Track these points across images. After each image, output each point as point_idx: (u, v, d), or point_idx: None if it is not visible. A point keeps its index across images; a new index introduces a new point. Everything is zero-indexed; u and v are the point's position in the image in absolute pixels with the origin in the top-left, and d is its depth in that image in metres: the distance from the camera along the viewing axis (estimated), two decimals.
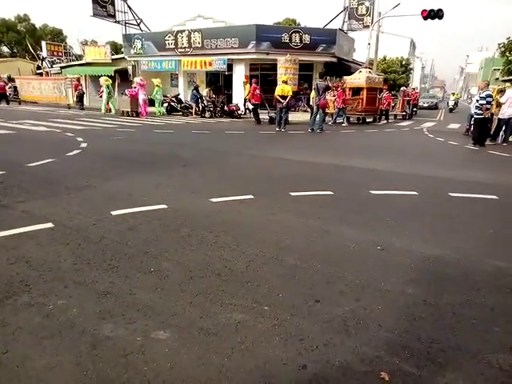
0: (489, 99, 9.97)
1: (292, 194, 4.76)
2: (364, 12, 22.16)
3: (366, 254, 3.08)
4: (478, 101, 10.27)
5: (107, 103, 18.51)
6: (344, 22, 22.48)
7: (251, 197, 4.57)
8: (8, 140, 8.97)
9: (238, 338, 2.01)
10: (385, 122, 17.93)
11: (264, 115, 15.60)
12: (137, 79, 17.50)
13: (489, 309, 2.35)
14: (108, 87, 18.09)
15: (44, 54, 30.02)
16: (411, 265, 2.91)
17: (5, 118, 13.98)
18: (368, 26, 21.62)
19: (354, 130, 13.74)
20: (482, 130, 10.33)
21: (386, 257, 3.05)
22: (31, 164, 6.03)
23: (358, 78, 16.51)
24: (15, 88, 26.39)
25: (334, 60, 19.88)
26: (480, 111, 10.06)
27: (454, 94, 34.91)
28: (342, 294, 2.48)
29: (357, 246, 3.23)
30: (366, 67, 17.58)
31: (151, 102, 18.19)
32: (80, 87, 22.60)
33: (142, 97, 17.05)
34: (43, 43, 31.14)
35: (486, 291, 2.55)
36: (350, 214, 4.08)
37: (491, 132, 11.10)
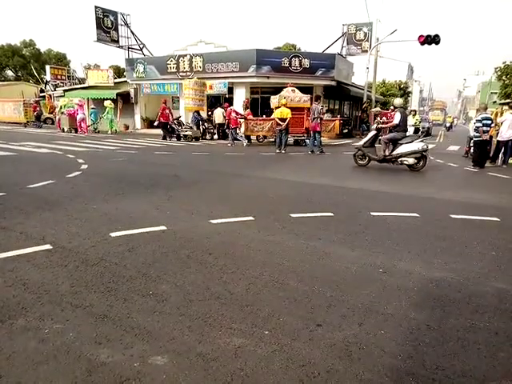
0: (486, 122, 10.11)
1: (292, 215, 4.74)
2: (362, 37, 22.75)
3: (367, 277, 3.05)
4: (475, 124, 10.42)
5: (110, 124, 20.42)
6: (343, 47, 23.05)
7: (251, 218, 4.56)
8: (9, 161, 9.02)
9: (238, 364, 1.96)
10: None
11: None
12: (75, 100, 20.34)
13: (493, 333, 2.30)
14: (109, 110, 20.02)
15: (48, 77, 30.61)
16: (414, 288, 2.87)
17: (5, 139, 14.11)
18: (366, 51, 22.14)
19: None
20: (482, 152, 10.42)
21: (388, 280, 3.01)
22: (31, 185, 6.04)
23: (275, 98, 15.31)
24: None
25: (333, 83, 20.25)
26: (478, 134, 10.20)
27: (449, 117, 39.87)
28: (344, 317, 2.43)
29: (358, 269, 3.19)
30: (290, 85, 15.78)
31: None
32: (38, 108, 25.32)
33: (80, 116, 19.69)
34: (47, 67, 31.77)
35: (489, 315, 2.50)
36: (350, 236, 4.06)
37: (491, 154, 11.19)
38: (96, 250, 3.43)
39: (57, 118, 21.66)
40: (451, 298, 2.74)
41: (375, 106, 21.72)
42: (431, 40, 16.99)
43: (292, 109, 14.19)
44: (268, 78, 19.29)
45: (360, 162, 9.99)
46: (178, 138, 17.33)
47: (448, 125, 38.83)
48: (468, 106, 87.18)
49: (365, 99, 21.16)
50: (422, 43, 17.17)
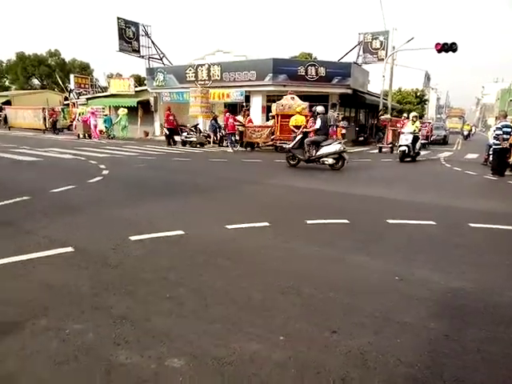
0: (506, 129, 9.94)
1: (308, 221, 4.74)
2: (378, 46, 22.64)
3: (383, 285, 3.02)
4: (495, 131, 10.23)
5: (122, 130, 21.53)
6: (359, 55, 22.97)
7: (267, 224, 4.58)
8: (34, 167, 9.32)
9: (253, 369, 1.97)
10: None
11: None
12: (88, 108, 21.65)
13: None
14: (122, 117, 21.34)
15: (72, 86, 31.53)
16: (431, 297, 2.83)
17: (31, 145, 14.56)
18: (382, 59, 22.00)
19: (369, 160, 13.74)
20: (501, 160, 10.20)
21: (405, 288, 2.97)
22: (55, 190, 6.22)
23: (275, 105, 15.59)
24: (5, 116, 30.31)
25: (349, 91, 20.19)
26: (498, 141, 10.02)
27: (467, 125, 37.05)
28: (360, 325, 2.42)
29: (374, 276, 3.17)
30: (289, 93, 15.83)
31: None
32: (54, 115, 26.08)
33: (92, 122, 20.99)
34: (71, 76, 32.75)
35: (510, 325, 2.45)
36: (366, 243, 4.03)
37: (510, 162, 10.93)
38: (116, 253, 3.51)
39: (73, 124, 22.94)
40: (470, 307, 2.69)
41: (390, 114, 21.49)
42: (448, 48, 16.77)
43: (290, 116, 14.34)
44: (284, 86, 19.36)
45: (291, 162, 10.90)
46: (184, 143, 17.90)
47: (466, 133, 35.08)
48: (487, 113, 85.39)
49: (381, 107, 21.01)
50: (439, 51, 16.97)
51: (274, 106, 15.66)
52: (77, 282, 2.90)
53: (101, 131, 22.18)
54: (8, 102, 34.65)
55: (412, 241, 4.21)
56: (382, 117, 19.32)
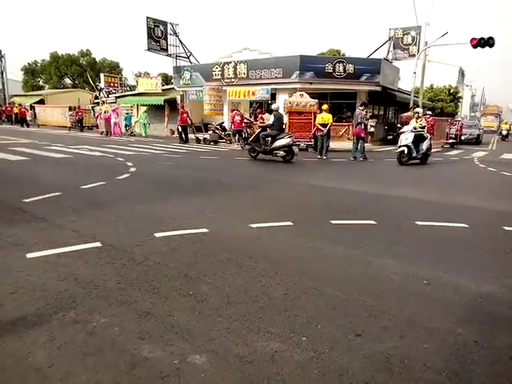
0: None
1: (332, 222, 4.68)
2: (410, 41, 22.03)
3: (410, 288, 2.94)
4: None
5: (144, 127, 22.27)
6: (389, 51, 22.45)
7: (290, 223, 4.55)
8: (66, 163, 9.65)
9: (274, 369, 1.96)
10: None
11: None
12: (110, 106, 22.55)
13: None
14: (142, 115, 22.31)
15: (102, 85, 32.48)
16: (461, 302, 2.73)
17: (63, 143, 15.09)
18: (414, 55, 21.40)
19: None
20: None
21: (433, 292, 2.88)
22: (84, 186, 6.42)
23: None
24: (35, 114, 32.02)
25: (378, 89, 19.75)
26: None
27: (506, 123, 33.97)
28: (385, 329, 2.36)
29: (401, 279, 3.09)
30: (299, 90, 16.18)
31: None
32: (80, 113, 26.77)
33: (113, 120, 21.67)
34: (101, 75, 33.72)
35: None
36: (393, 245, 3.93)
37: None
38: (141, 249, 3.58)
39: (98, 122, 23.91)
40: (502, 314, 2.57)
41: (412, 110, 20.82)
42: (485, 43, 16.09)
43: (299, 113, 14.74)
44: (311, 83, 19.17)
45: (252, 154, 12.08)
46: (198, 141, 18.41)
47: (505, 132, 31.16)
48: None
49: (411, 105, 20.42)
50: (475, 46, 16.32)
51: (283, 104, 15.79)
52: (104, 276, 2.98)
53: (126, 128, 23.11)
54: (42, 101, 36.06)
55: (441, 243, 4.07)
56: (404, 114, 18.57)
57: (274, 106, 12.31)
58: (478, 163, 12.89)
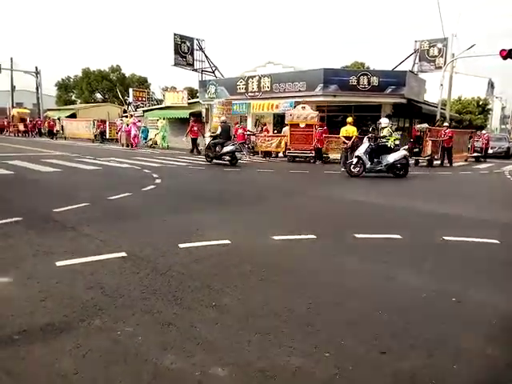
0: None
1: (356, 235, 4.60)
2: (436, 53, 21.72)
3: (438, 306, 2.84)
4: None
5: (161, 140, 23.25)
6: (414, 63, 22.19)
7: (313, 237, 4.51)
8: (95, 175, 9.97)
9: None
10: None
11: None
12: (130, 120, 23.02)
13: None
14: (162, 129, 23.30)
15: (130, 99, 33.58)
16: (491, 321, 2.61)
17: (92, 155, 15.60)
18: (440, 68, 21.06)
19: (420, 172, 13.12)
20: None
21: (462, 310, 2.78)
22: (112, 197, 6.60)
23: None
24: (62, 127, 33.09)
25: (404, 101, 19.48)
26: None
27: None
28: (411, 347, 2.29)
29: (427, 296, 2.99)
30: (302, 103, 16.70)
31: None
32: (102, 126, 28.30)
33: (133, 132, 22.28)
34: (130, 90, 34.91)
35: None
36: (419, 261, 3.82)
37: None
38: (165, 259, 3.64)
39: (118, 135, 24.85)
40: None
41: (449, 125, 20.30)
42: None
43: (300, 125, 15.30)
44: (334, 96, 19.15)
45: (208, 159, 13.97)
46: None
47: None
48: None
49: (438, 117, 20.01)
50: (505, 57, 15.85)
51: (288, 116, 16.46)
52: (128, 285, 3.04)
53: (145, 141, 24.29)
54: (73, 115, 37.52)
55: (471, 260, 3.93)
56: (418, 126, 17.79)
57: (222, 118, 14.91)
58: (509, 177, 12.43)
